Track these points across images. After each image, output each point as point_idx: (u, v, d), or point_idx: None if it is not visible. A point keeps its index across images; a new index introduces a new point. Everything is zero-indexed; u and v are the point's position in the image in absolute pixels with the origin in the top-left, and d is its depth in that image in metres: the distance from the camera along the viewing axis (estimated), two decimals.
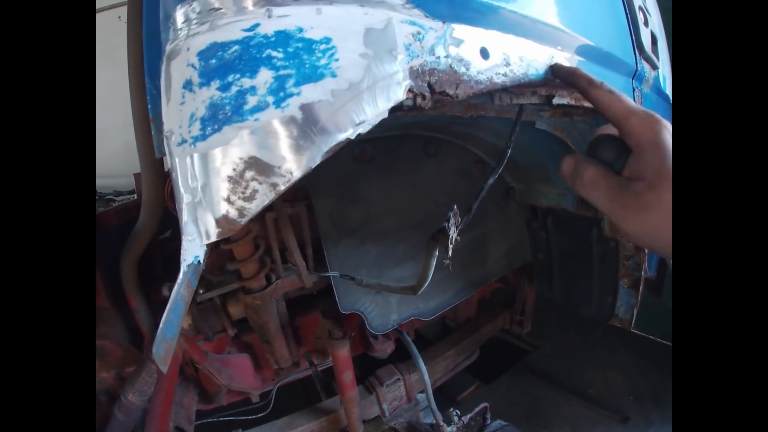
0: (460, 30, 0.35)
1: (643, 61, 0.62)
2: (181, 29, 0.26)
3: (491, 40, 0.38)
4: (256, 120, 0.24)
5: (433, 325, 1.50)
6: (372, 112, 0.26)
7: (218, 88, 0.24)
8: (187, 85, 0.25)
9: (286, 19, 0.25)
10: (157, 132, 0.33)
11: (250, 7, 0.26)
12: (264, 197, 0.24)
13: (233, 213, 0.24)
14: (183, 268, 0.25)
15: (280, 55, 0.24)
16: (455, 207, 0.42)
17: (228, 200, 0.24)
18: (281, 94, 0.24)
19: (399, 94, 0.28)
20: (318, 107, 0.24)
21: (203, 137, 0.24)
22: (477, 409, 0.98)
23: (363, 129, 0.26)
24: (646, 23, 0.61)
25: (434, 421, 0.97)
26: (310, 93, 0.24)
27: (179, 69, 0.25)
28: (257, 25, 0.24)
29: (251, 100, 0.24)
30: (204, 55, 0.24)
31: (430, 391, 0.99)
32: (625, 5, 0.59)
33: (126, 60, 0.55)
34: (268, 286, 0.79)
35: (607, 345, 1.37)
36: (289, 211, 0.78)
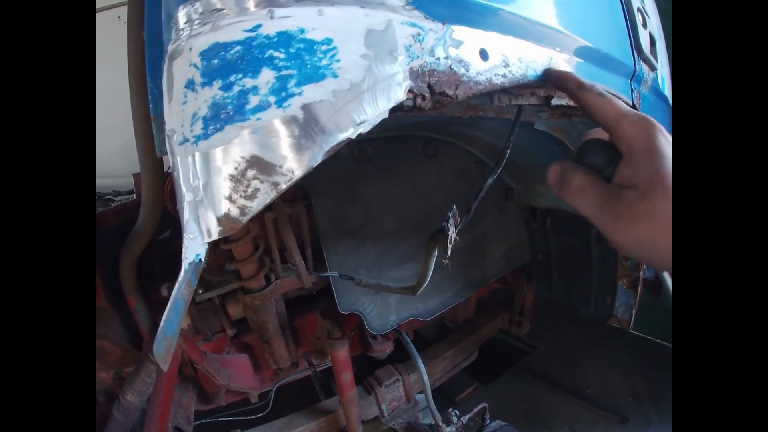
0: (459, 31, 0.35)
1: (642, 63, 0.63)
2: (183, 29, 0.26)
3: (490, 41, 0.39)
4: (258, 119, 0.24)
5: (431, 325, 1.50)
6: (373, 112, 0.26)
7: (220, 88, 0.24)
8: (190, 84, 0.25)
9: (287, 20, 0.25)
10: (159, 131, 0.33)
11: (252, 8, 0.26)
12: (265, 196, 0.24)
13: (235, 211, 0.24)
14: (184, 266, 0.25)
15: (282, 56, 0.24)
16: (454, 207, 0.42)
17: (230, 199, 0.24)
18: (283, 93, 0.24)
19: (399, 95, 0.28)
20: (319, 107, 0.25)
21: (205, 136, 0.24)
22: (476, 410, 0.98)
23: (364, 129, 0.26)
24: (644, 25, 0.62)
25: (433, 422, 0.97)
26: (311, 93, 0.25)
27: (181, 69, 0.25)
28: (259, 25, 0.25)
29: (253, 100, 0.24)
30: (206, 55, 0.25)
31: (429, 392, 0.99)
32: (624, 7, 0.59)
33: (125, 60, 0.56)
34: (268, 286, 0.79)
35: (606, 345, 1.38)
36: (288, 211, 0.79)
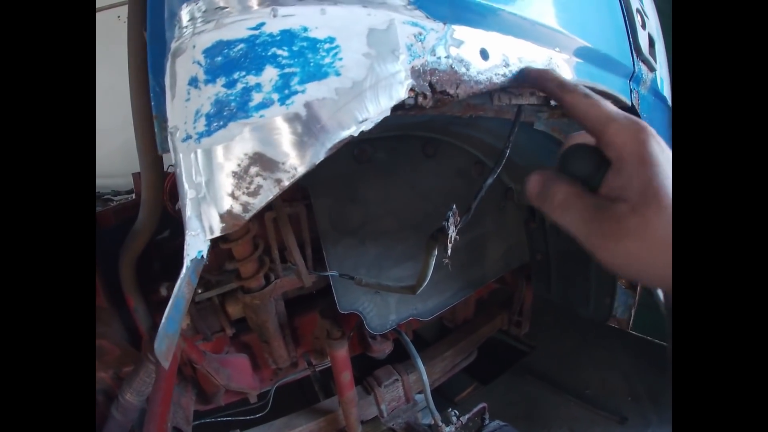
0: (460, 31, 0.36)
1: (641, 63, 0.63)
2: (186, 27, 0.27)
3: (491, 41, 0.39)
4: (261, 117, 0.24)
5: (431, 325, 1.50)
6: (375, 110, 0.27)
7: (224, 85, 0.24)
8: (193, 82, 0.25)
9: (291, 18, 0.25)
10: (161, 129, 0.34)
11: (255, 7, 0.26)
12: (268, 193, 0.24)
13: (237, 208, 0.24)
14: (186, 263, 0.25)
15: (285, 54, 0.25)
16: (454, 206, 0.42)
17: (232, 195, 0.24)
18: (286, 91, 0.24)
19: (401, 93, 0.29)
20: (322, 105, 0.25)
21: (208, 133, 0.24)
22: (475, 410, 0.98)
23: (366, 127, 0.26)
24: (643, 25, 0.62)
25: (432, 422, 0.97)
26: (314, 91, 0.25)
27: (185, 66, 0.26)
28: (263, 24, 0.25)
29: (256, 97, 0.24)
30: (210, 52, 0.25)
31: (429, 392, 0.99)
32: (623, 8, 0.60)
33: (125, 60, 0.56)
34: (267, 286, 0.79)
35: (605, 346, 1.38)
36: (288, 210, 0.79)
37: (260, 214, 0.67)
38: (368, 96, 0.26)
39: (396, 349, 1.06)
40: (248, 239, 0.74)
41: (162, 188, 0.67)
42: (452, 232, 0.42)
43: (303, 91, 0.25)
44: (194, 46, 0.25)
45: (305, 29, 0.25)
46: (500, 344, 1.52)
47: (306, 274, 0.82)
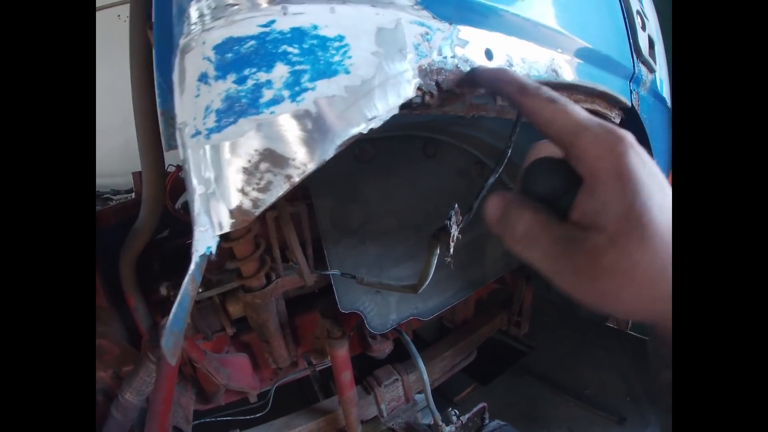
0: (465, 31, 0.36)
1: (641, 64, 0.64)
2: (195, 24, 0.27)
3: (495, 41, 0.39)
4: (271, 113, 0.24)
5: (430, 326, 1.51)
6: (384, 108, 0.27)
7: (234, 81, 0.24)
8: (203, 78, 0.25)
9: (301, 16, 0.26)
10: (167, 125, 0.34)
11: (264, 4, 0.27)
12: (278, 188, 0.24)
13: (247, 204, 0.25)
14: (195, 258, 0.25)
15: (296, 51, 0.25)
16: (456, 206, 0.42)
17: (242, 191, 0.24)
18: (297, 88, 0.25)
19: (409, 92, 0.29)
20: (332, 102, 0.25)
21: (218, 129, 0.24)
22: (475, 409, 0.98)
23: (375, 124, 0.26)
24: (643, 27, 0.63)
25: (432, 422, 0.97)
26: (324, 88, 0.25)
27: (194, 62, 0.26)
28: (273, 21, 0.25)
29: (267, 94, 0.24)
30: (220, 49, 0.25)
31: (429, 391, 1.00)
32: (623, 9, 0.60)
33: (125, 59, 0.56)
34: (268, 285, 0.79)
35: (604, 346, 1.39)
36: (290, 209, 0.79)
37: (262, 213, 0.66)
38: (377, 94, 0.27)
39: (396, 349, 1.06)
40: (249, 238, 0.74)
41: (164, 187, 0.67)
42: (455, 232, 0.42)
43: (313, 89, 0.25)
44: (204, 43, 0.26)
45: (315, 27, 0.26)
46: (500, 344, 1.53)
47: (308, 273, 0.82)
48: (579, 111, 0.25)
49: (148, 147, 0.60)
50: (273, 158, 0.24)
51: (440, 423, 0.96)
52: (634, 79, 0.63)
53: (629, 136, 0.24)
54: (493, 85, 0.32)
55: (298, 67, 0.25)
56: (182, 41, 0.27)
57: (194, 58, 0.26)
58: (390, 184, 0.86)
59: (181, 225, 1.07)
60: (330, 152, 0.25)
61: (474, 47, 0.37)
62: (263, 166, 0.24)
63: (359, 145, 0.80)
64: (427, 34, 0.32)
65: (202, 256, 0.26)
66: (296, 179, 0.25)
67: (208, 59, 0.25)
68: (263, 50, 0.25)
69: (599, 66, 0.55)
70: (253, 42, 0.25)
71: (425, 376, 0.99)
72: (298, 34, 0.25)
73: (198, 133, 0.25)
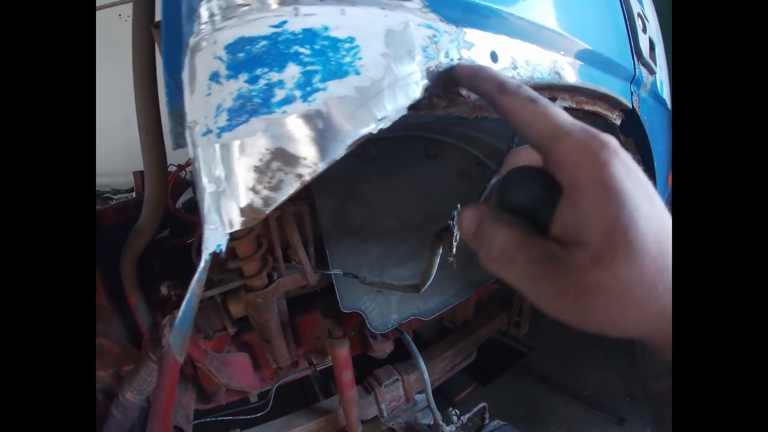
0: (471, 34, 0.37)
1: (641, 66, 0.64)
2: (206, 23, 0.27)
3: (500, 44, 0.40)
4: (283, 112, 0.24)
5: (430, 326, 1.51)
6: (392, 108, 0.27)
7: (246, 81, 0.25)
8: (214, 77, 0.25)
9: (312, 17, 0.26)
10: (175, 124, 0.34)
11: (275, 5, 0.27)
12: (289, 187, 0.25)
13: (258, 202, 0.25)
14: (204, 256, 0.26)
15: (308, 52, 0.25)
16: (459, 206, 0.43)
17: (253, 190, 0.25)
18: (308, 88, 0.25)
19: (417, 93, 0.29)
20: (343, 102, 0.25)
21: (230, 128, 0.25)
22: (476, 409, 0.99)
23: (384, 124, 0.27)
24: (644, 29, 0.64)
25: (433, 422, 0.97)
26: (335, 88, 0.25)
27: (205, 61, 0.26)
28: (285, 21, 0.25)
29: (279, 93, 0.24)
30: (232, 48, 0.25)
31: (430, 391, 1.00)
32: (624, 12, 0.61)
33: (126, 58, 0.56)
34: (270, 284, 0.80)
35: (604, 347, 1.39)
36: (292, 209, 0.79)
37: None
38: (386, 95, 0.27)
39: (396, 349, 1.06)
40: (252, 237, 0.74)
41: (166, 186, 0.67)
42: (457, 232, 0.43)
43: (324, 89, 0.25)
44: (216, 42, 0.26)
45: (326, 28, 0.26)
46: (500, 345, 1.53)
47: (311, 273, 0.82)
48: (560, 113, 0.23)
49: (150, 146, 0.60)
50: (284, 157, 0.24)
51: (441, 423, 0.96)
52: (634, 80, 0.63)
53: (613, 142, 0.22)
54: (471, 82, 0.29)
55: (309, 68, 0.25)
56: (192, 40, 0.28)
57: (205, 57, 0.26)
58: (391, 185, 0.86)
59: (182, 224, 1.07)
60: (340, 152, 0.25)
61: (480, 49, 0.37)
62: (275, 164, 0.24)
63: (361, 145, 0.80)
64: (434, 36, 0.32)
65: (212, 254, 0.26)
66: (307, 178, 0.25)
67: (220, 58, 0.25)
68: (275, 50, 0.25)
69: (601, 68, 0.56)
70: (265, 42, 0.25)
71: (426, 376, 0.99)
72: (309, 35, 0.26)
73: (209, 131, 0.25)
